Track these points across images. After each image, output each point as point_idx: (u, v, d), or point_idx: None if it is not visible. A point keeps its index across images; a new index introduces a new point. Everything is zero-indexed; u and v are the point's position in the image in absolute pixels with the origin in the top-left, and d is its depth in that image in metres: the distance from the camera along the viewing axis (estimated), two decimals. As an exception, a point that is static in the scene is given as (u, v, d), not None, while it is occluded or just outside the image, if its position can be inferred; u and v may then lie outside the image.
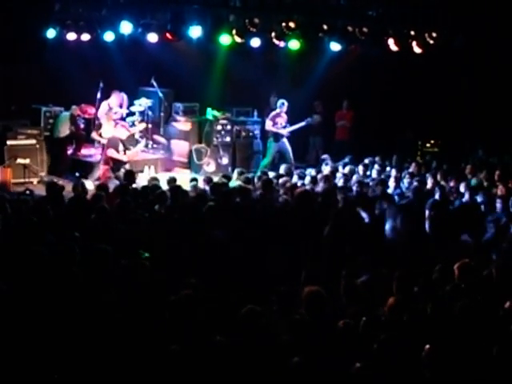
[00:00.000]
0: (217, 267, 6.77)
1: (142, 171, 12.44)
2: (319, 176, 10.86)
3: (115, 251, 6.44)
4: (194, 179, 10.58)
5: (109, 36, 12.62)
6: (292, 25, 12.91)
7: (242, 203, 8.88)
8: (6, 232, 7.33)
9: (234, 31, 12.83)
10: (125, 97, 13.95)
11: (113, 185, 10.08)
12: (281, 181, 10.42)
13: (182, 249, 7.28)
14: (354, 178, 10.92)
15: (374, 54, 14.45)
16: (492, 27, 13.79)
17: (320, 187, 10.27)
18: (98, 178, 11.91)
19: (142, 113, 14.02)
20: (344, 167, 12.02)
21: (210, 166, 13.77)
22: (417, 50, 14.06)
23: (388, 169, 12.16)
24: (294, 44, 13.42)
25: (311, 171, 11.63)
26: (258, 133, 14.76)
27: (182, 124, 14.33)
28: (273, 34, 13.20)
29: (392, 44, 13.87)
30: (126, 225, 7.70)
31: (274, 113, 13.84)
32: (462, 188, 10.46)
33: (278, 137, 13.74)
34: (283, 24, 12.97)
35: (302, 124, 13.96)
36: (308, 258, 7.45)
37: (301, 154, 14.85)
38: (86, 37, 12.41)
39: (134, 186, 9.92)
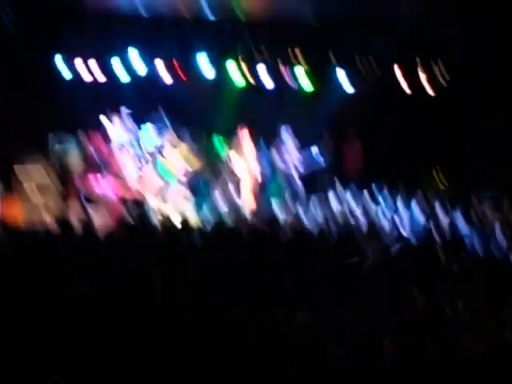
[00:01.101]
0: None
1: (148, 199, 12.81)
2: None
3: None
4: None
5: (119, 70, 13.28)
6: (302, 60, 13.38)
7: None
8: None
9: (240, 57, 13.34)
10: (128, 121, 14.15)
11: (124, 221, 10.47)
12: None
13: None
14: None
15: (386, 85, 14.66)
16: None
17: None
18: (108, 213, 12.14)
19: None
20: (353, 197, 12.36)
21: (222, 205, 13.68)
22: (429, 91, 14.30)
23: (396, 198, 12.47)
24: (307, 84, 13.90)
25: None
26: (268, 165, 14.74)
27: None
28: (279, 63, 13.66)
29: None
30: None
31: (284, 146, 14.16)
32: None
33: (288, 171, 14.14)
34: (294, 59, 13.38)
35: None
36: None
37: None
38: (102, 78, 13.22)
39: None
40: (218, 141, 14.56)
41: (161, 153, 14.10)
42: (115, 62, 13.53)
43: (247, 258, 8.18)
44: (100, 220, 11.53)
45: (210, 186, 14.04)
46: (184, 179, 14.05)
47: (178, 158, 13.78)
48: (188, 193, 13.93)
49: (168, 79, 14.16)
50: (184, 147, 13.87)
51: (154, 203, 13.28)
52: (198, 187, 14.16)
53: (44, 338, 5.81)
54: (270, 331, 5.88)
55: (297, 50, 13.66)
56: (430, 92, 14.43)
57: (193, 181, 14.27)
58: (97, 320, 6.08)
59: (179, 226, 10.02)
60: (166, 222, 10.52)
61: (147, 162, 14.04)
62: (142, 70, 14.04)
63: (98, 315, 6.18)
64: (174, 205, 13.39)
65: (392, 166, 14.83)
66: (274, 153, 14.61)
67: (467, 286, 7.52)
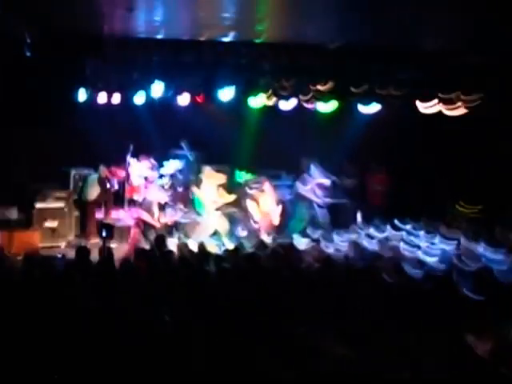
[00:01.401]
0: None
1: (171, 234, 12.65)
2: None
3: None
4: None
5: (139, 99, 13.12)
6: (323, 88, 13.24)
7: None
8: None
9: (265, 95, 13.24)
10: (152, 161, 14.06)
11: (143, 250, 10.17)
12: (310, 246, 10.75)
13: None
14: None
15: (406, 114, 14.56)
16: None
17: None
18: (127, 241, 12.22)
19: (172, 176, 14.14)
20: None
21: (242, 231, 13.77)
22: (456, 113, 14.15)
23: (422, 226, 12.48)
24: (325, 107, 13.88)
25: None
26: (290, 197, 14.75)
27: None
28: (303, 98, 13.55)
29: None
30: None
31: (314, 181, 14.18)
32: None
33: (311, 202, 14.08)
34: (314, 88, 13.27)
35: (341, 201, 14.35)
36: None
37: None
38: (116, 99, 12.94)
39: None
40: (240, 171, 14.70)
41: (196, 184, 13.97)
42: (138, 94, 13.34)
43: (268, 289, 8.07)
44: (119, 250, 11.49)
45: (234, 216, 13.99)
46: (213, 209, 13.85)
47: (211, 190, 13.67)
48: (215, 223, 13.73)
49: (190, 110, 14.13)
50: (219, 178, 13.81)
51: (175, 233, 13.26)
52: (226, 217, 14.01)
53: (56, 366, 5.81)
54: (295, 360, 5.79)
55: (320, 78, 13.57)
56: (454, 121, 14.31)
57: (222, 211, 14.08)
58: (109, 348, 6.08)
59: (198, 255, 9.86)
60: (186, 251, 10.31)
61: (170, 193, 14.02)
62: (164, 101, 13.81)
63: (112, 343, 6.17)
64: (196, 235, 13.16)
65: (417, 194, 14.98)
66: (297, 182, 14.58)
67: (493, 314, 7.31)
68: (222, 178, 13.83)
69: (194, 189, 13.81)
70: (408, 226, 12.68)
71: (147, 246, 10.91)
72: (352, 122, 14.88)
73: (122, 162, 13.91)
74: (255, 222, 13.67)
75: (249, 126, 15.05)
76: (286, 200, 14.63)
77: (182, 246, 10.60)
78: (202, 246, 10.31)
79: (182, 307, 7.26)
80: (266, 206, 13.73)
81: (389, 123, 14.91)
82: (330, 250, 10.86)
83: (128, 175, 13.85)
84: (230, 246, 10.77)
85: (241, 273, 8.60)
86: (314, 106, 13.98)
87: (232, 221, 13.91)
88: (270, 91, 13.36)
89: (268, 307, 7.41)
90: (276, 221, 13.69)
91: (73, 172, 13.83)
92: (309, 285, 8.28)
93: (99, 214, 13.69)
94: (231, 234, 13.62)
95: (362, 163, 15.40)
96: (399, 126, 15.00)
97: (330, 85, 13.32)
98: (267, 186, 13.79)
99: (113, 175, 13.88)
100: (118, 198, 14.16)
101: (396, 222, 12.83)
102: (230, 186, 14.47)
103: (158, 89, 12.88)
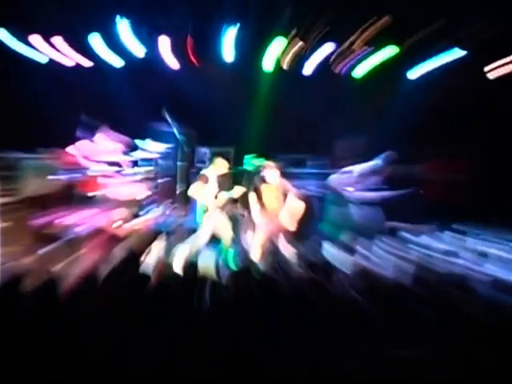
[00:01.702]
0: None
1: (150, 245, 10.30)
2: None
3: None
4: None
5: (116, 61, 12.33)
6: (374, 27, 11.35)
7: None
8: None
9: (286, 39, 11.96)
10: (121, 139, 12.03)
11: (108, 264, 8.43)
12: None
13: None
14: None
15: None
16: None
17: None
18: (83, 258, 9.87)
19: (150, 162, 12.52)
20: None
21: (250, 239, 11.31)
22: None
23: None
24: (359, 71, 12.74)
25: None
26: (317, 191, 12.58)
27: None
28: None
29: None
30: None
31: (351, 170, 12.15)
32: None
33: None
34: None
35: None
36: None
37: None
38: (88, 63, 12.23)
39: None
40: (247, 159, 12.39)
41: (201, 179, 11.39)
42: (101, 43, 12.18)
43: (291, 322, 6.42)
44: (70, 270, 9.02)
45: (239, 218, 11.76)
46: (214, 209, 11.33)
47: (212, 184, 11.26)
48: (214, 228, 11.20)
49: (175, 65, 12.75)
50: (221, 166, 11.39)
51: (157, 243, 10.78)
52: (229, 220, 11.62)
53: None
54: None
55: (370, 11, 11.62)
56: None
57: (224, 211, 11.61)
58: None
59: (187, 278, 7.94)
60: (169, 272, 8.43)
61: (152, 187, 12.45)
62: (138, 51, 12.46)
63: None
64: (188, 245, 10.64)
65: (490, 188, 12.90)
66: (322, 173, 12.67)
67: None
68: (223, 167, 11.26)
69: (195, 186, 11.05)
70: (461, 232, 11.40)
71: (113, 265, 8.55)
72: (398, 92, 13.01)
73: (74, 143, 11.58)
74: (257, 224, 11.23)
75: (260, 96, 13.24)
76: (310, 195, 12.09)
77: (164, 265, 8.78)
78: (192, 265, 8.41)
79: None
80: (271, 202, 11.27)
81: (451, 95, 12.48)
82: (373, 264, 9.23)
83: (83, 162, 11.64)
84: (234, 263, 9.28)
85: (249, 306, 6.84)
86: (358, 54, 12.23)
87: (237, 225, 11.46)
88: (293, 32, 11.57)
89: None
90: (287, 223, 11.19)
91: (18, 160, 11.19)
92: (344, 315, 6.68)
93: (39, 219, 10.98)
94: (236, 243, 11.13)
95: (414, 146, 12.95)
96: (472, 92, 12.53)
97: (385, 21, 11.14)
98: (273, 173, 11.24)
99: (66, 164, 11.46)
100: (68, 195, 11.50)
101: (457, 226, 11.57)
102: (235, 177, 12.09)
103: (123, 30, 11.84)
